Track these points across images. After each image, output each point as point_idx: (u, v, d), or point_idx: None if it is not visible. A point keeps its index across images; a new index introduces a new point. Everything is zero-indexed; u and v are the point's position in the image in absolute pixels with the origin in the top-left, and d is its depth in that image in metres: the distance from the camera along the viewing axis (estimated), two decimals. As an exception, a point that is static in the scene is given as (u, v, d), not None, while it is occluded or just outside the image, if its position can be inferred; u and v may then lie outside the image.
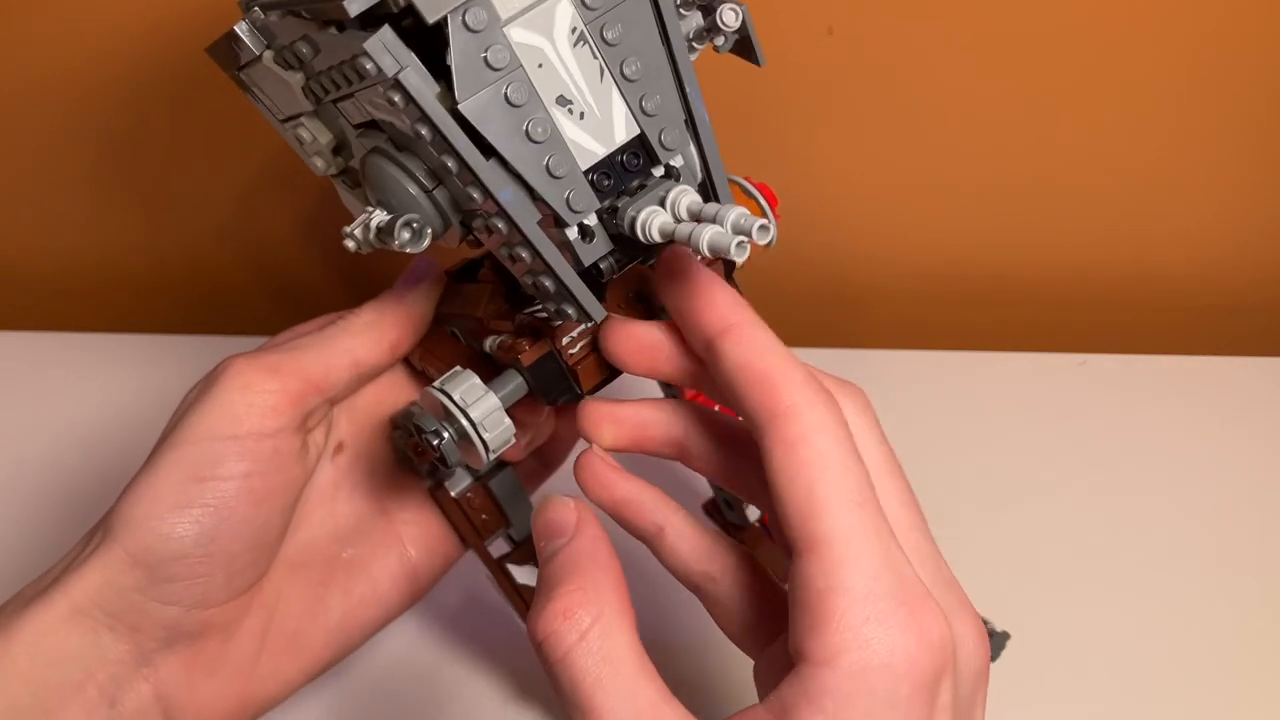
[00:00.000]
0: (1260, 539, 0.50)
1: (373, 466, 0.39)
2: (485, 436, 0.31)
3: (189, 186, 0.60)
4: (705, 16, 0.30)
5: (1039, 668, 0.45)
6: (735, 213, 0.25)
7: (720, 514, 0.47)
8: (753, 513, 0.45)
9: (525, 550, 0.39)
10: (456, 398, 0.31)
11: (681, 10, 0.29)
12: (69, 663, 0.31)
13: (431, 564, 0.38)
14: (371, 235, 0.28)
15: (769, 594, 0.30)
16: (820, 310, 0.64)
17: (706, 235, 0.25)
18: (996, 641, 0.46)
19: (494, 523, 0.39)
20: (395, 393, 0.39)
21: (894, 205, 0.61)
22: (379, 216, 0.28)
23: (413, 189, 0.28)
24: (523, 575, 0.39)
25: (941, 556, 0.28)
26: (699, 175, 0.29)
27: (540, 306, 0.32)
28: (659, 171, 0.28)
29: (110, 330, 0.59)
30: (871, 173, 0.58)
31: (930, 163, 0.58)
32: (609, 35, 0.27)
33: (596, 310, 0.28)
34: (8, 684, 0.31)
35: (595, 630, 0.26)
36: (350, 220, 0.29)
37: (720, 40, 0.30)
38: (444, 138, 0.26)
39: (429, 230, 0.28)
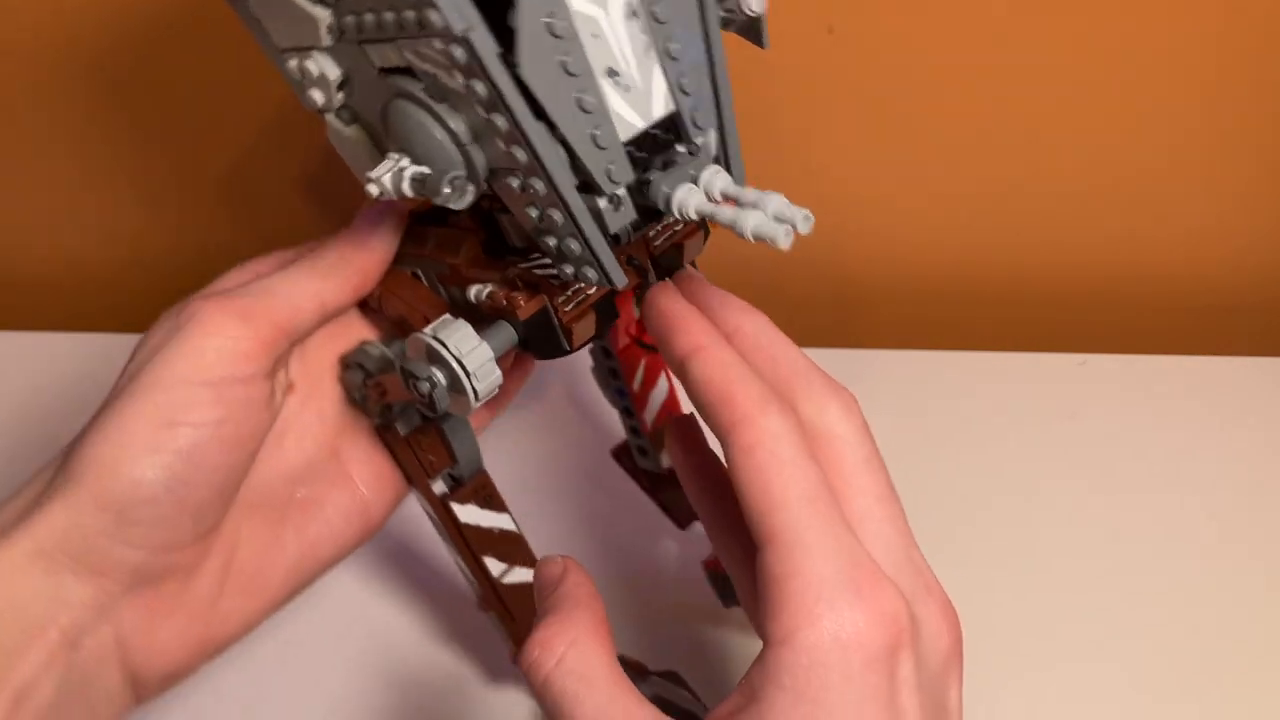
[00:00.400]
0: (1260, 539, 0.51)
1: (323, 406, 0.38)
2: (477, 386, 0.32)
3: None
4: (729, -2, 0.31)
5: (1039, 667, 0.46)
6: (776, 200, 0.27)
7: (631, 459, 0.49)
8: (665, 460, 0.48)
9: (468, 489, 0.40)
10: (451, 346, 0.31)
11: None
12: (30, 605, 0.30)
13: (382, 501, 0.39)
14: (405, 185, 0.28)
15: None
16: (820, 310, 0.65)
17: (751, 222, 0.27)
18: None
19: (440, 463, 0.39)
20: (343, 331, 0.38)
21: (894, 205, 0.61)
22: (413, 168, 0.28)
23: (448, 142, 0.28)
24: (465, 514, 0.40)
25: (915, 546, 0.30)
26: (714, 155, 0.31)
27: (539, 261, 0.33)
28: (682, 148, 0.30)
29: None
30: (871, 172, 0.59)
31: (931, 163, 0.59)
32: (659, 12, 0.28)
33: (619, 277, 0.29)
34: None
35: (570, 654, 0.29)
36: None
37: (733, 19, 0.32)
38: (501, 99, 0.26)
39: (471, 187, 0.28)
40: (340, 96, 0.31)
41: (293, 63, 0.31)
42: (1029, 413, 0.56)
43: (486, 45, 0.25)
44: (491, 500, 0.40)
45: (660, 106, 0.29)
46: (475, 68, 0.26)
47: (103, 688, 0.32)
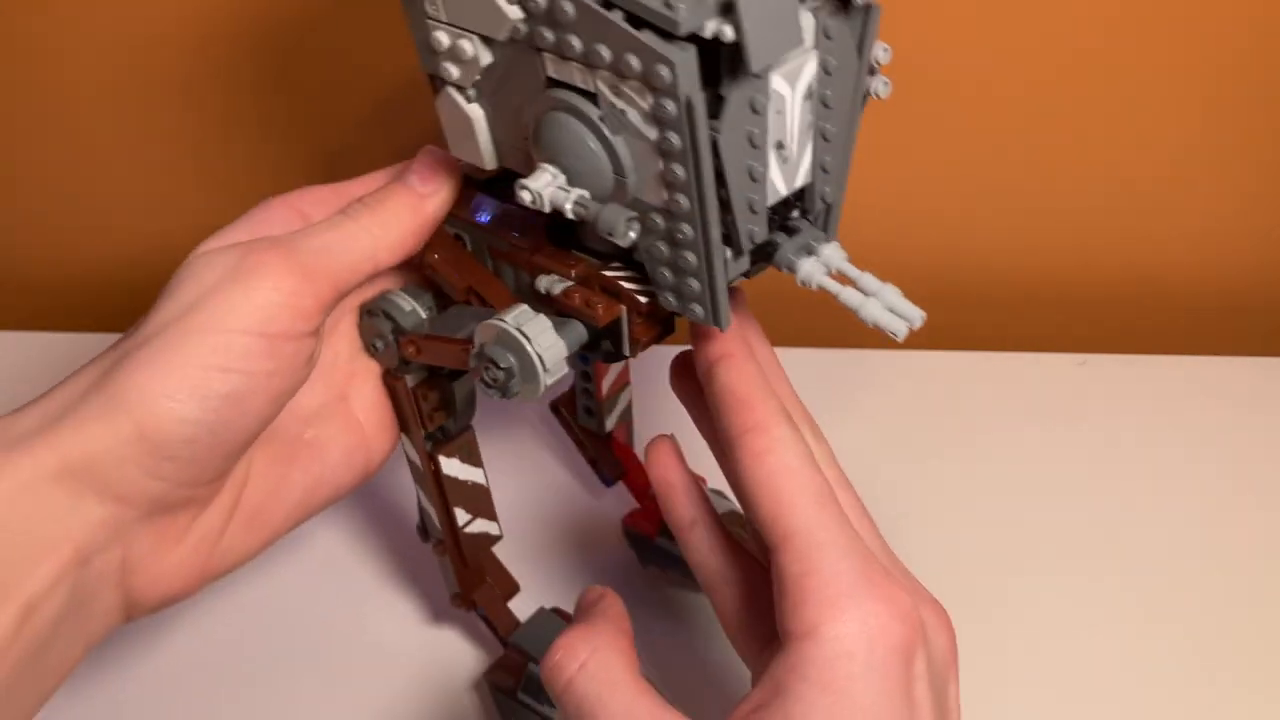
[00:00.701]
0: (1260, 538, 0.51)
1: (339, 349, 0.38)
2: (547, 380, 0.33)
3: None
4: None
5: (1038, 667, 0.46)
6: (891, 294, 0.30)
7: (569, 414, 0.51)
8: (609, 425, 0.50)
9: (456, 444, 0.41)
10: (534, 342, 0.32)
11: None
12: (50, 521, 0.29)
13: (382, 448, 0.39)
14: (568, 205, 0.29)
15: (770, 603, 0.33)
16: (820, 311, 0.63)
17: (873, 312, 0.30)
18: None
19: (440, 417, 0.40)
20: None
21: (895, 206, 0.60)
22: (577, 191, 0.29)
23: (608, 170, 0.29)
24: (448, 467, 0.41)
25: (897, 557, 0.33)
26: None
27: (617, 269, 0.34)
28: (797, 213, 0.32)
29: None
30: (872, 173, 0.58)
31: (930, 165, 0.59)
32: (828, 97, 0.30)
33: (726, 319, 0.32)
34: None
35: (593, 661, 0.30)
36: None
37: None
38: (695, 157, 0.27)
39: (639, 226, 0.29)
40: (477, 78, 0.31)
41: (441, 34, 0.30)
42: (1029, 413, 0.57)
43: (703, 110, 0.27)
44: (472, 456, 0.42)
45: (802, 178, 0.31)
46: (683, 125, 0.27)
47: (100, 606, 0.31)
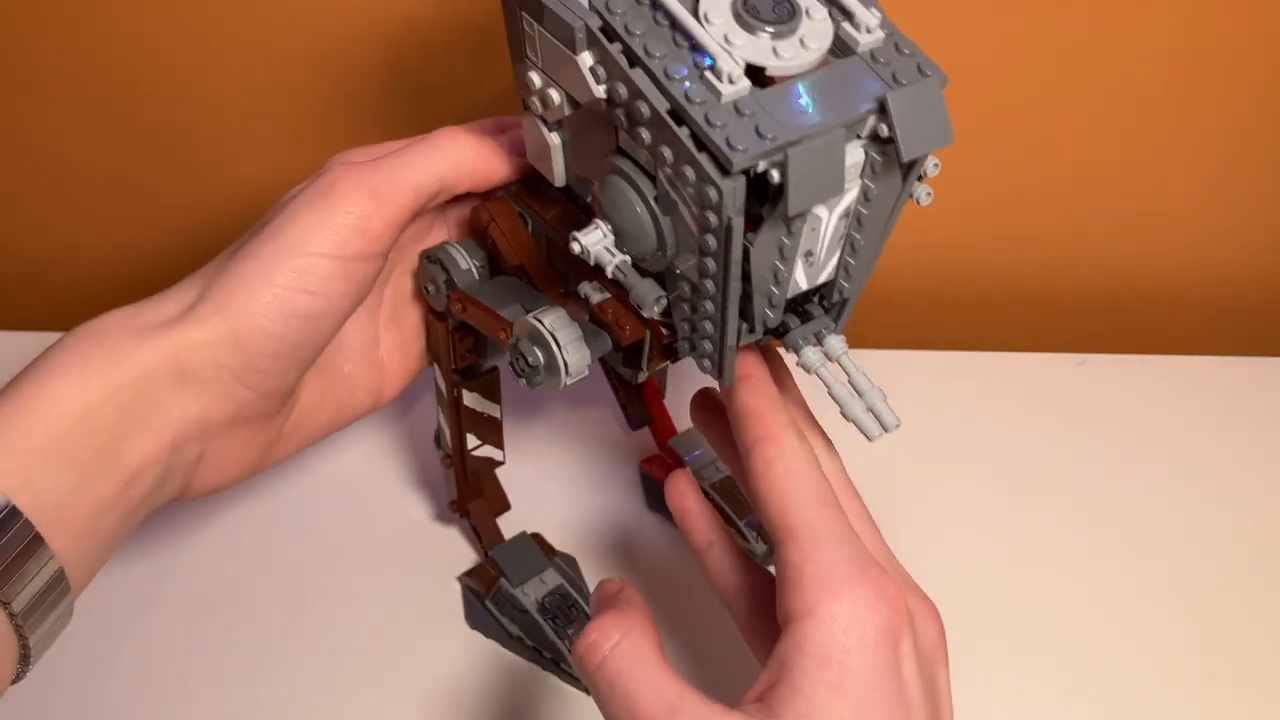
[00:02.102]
0: (1259, 539, 0.52)
1: (385, 291, 0.42)
2: (568, 381, 0.37)
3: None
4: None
5: (1035, 666, 0.47)
6: (876, 395, 0.34)
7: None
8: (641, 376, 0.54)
9: (481, 381, 0.46)
10: (564, 348, 0.36)
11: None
12: (160, 408, 0.35)
13: (393, 391, 0.44)
14: (610, 267, 0.32)
15: None
16: None
17: (854, 410, 0.34)
18: None
19: (471, 358, 0.45)
20: (426, 225, 0.42)
21: None
22: (621, 256, 0.32)
23: (653, 238, 0.32)
24: (469, 400, 0.46)
25: (894, 555, 0.35)
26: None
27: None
28: (814, 297, 0.35)
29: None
30: None
31: None
32: (864, 217, 0.33)
33: (730, 378, 0.35)
34: (118, 393, 0.34)
35: (625, 641, 0.32)
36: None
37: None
38: (726, 260, 0.31)
39: (665, 302, 0.33)
40: (556, 119, 0.34)
41: (534, 75, 0.33)
42: (1028, 413, 0.57)
43: (740, 229, 0.30)
44: (492, 393, 0.47)
45: (824, 277, 0.34)
46: (720, 235, 0.30)
47: (168, 488, 0.37)
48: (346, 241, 0.36)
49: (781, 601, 0.32)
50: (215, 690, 0.47)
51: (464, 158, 0.38)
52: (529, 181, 0.41)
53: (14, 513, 0.31)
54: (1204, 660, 0.48)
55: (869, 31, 0.31)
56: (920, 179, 0.35)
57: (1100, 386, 0.59)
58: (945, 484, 0.54)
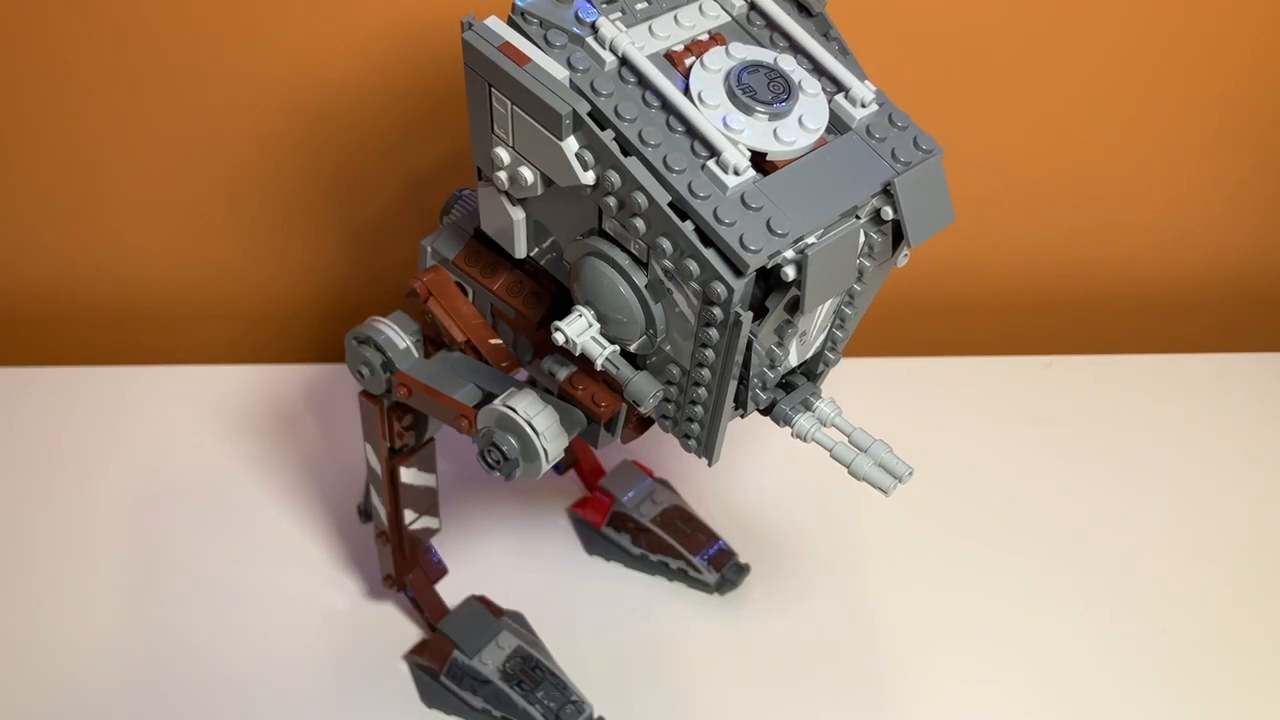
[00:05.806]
0: (1229, 536, 0.52)
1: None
2: (545, 467, 0.35)
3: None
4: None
5: (1022, 669, 0.47)
6: (882, 450, 0.33)
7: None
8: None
9: (417, 455, 0.43)
10: (541, 436, 0.34)
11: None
12: None
13: None
14: (601, 360, 0.30)
15: None
16: None
17: (864, 469, 0.32)
18: (738, 572, 0.50)
19: (408, 436, 0.42)
20: None
21: None
22: (611, 348, 0.30)
23: (641, 322, 0.30)
24: (406, 476, 0.43)
25: None
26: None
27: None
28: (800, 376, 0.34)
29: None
30: None
31: None
32: (857, 294, 0.32)
33: (716, 458, 0.34)
34: None
35: None
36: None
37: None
38: (728, 352, 0.29)
39: (662, 397, 0.31)
40: (518, 187, 0.31)
41: (503, 152, 0.30)
42: (997, 416, 0.57)
43: (748, 322, 0.28)
44: (428, 464, 0.44)
45: (810, 352, 0.33)
46: (724, 329, 0.28)
47: None
48: None
49: None
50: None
51: None
52: (465, 247, 0.38)
53: None
54: (1177, 659, 0.48)
55: (863, 106, 0.29)
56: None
57: (1068, 388, 0.59)
58: (914, 488, 0.54)
